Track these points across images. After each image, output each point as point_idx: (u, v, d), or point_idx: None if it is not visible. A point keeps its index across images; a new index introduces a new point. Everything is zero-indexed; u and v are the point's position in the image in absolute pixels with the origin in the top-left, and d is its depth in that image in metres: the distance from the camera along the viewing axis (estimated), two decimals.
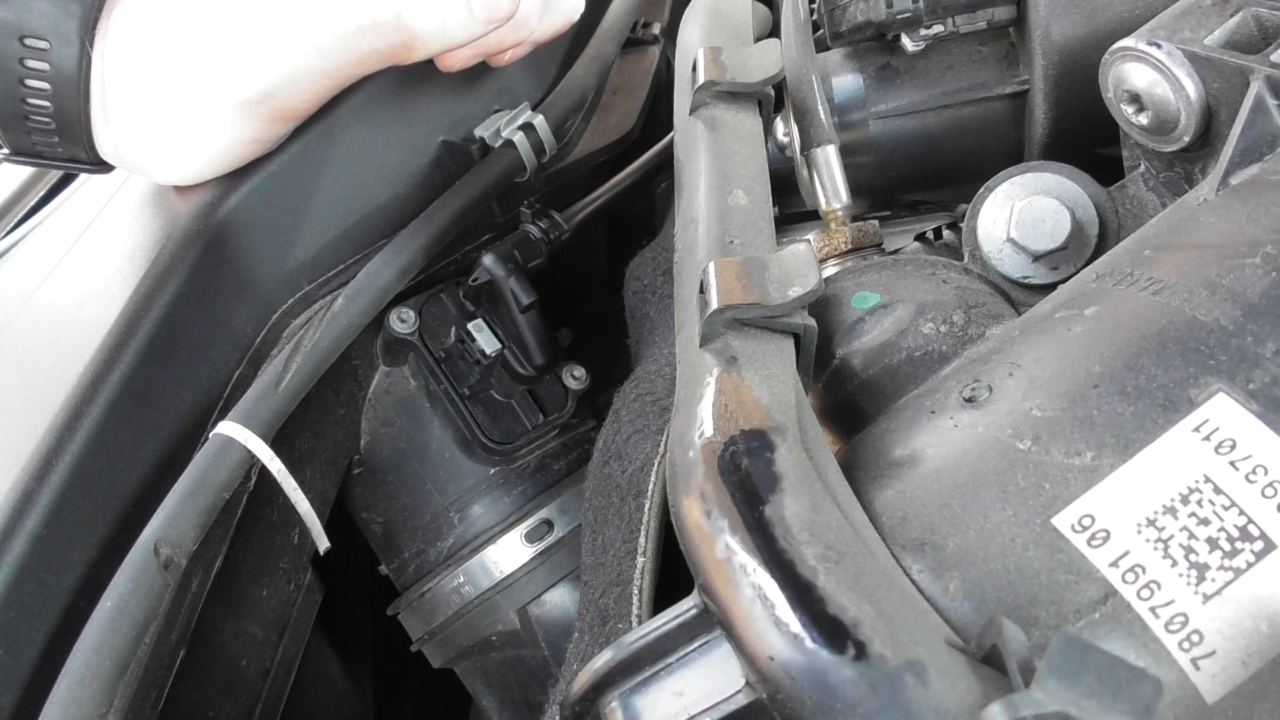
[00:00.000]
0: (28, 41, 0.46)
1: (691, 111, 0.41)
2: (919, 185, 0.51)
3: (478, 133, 0.59)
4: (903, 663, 0.20)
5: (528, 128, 0.58)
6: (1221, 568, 0.23)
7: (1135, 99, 0.35)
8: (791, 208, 0.56)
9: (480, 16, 0.47)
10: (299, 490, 0.44)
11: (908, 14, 0.43)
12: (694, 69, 0.41)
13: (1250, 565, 0.23)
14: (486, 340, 0.54)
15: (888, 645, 0.20)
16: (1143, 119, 0.35)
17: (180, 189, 0.52)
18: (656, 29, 0.86)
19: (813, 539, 0.22)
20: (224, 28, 0.46)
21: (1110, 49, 0.35)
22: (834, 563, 0.22)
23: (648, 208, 0.73)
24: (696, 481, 0.25)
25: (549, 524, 0.59)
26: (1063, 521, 0.24)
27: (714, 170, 0.36)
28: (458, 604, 0.59)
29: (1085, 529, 0.24)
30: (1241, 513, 0.23)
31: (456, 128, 0.60)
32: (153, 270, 0.48)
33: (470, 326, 0.54)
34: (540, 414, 0.58)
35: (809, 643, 0.21)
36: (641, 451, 0.38)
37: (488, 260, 0.53)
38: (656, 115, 0.76)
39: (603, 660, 0.26)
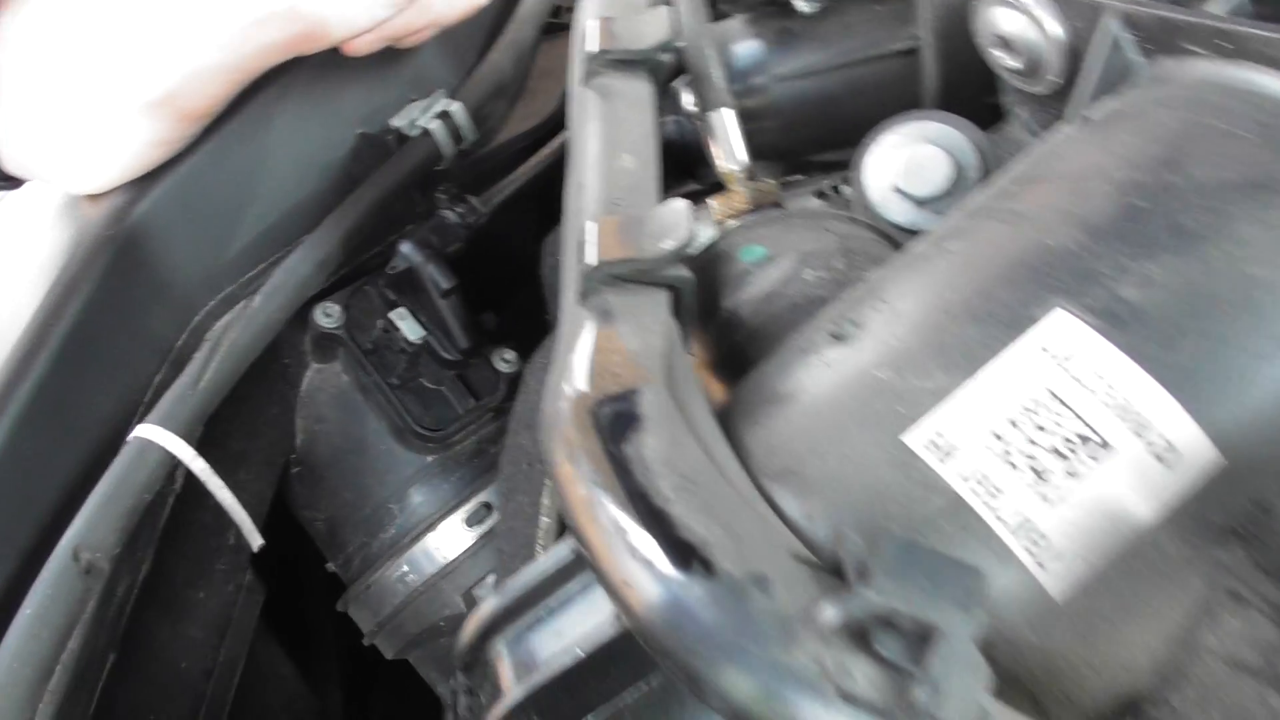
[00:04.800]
0: None
1: (584, 81, 0.41)
2: (825, 145, 0.51)
3: (394, 123, 0.59)
4: (746, 575, 0.21)
5: (444, 115, 0.59)
6: (1064, 473, 0.23)
7: (1006, 43, 0.36)
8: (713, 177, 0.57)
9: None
10: (225, 488, 0.44)
11: None
12: (584, 38, 0.42)
13: (1090, 469, 0.23)
14: (410, 328, 0.54)
15: (733, 562, 0.21)
16: (1014, 63, 0.36)
17: (91, 196, 0.52)
18: None
19: (668, 471, 0.23)
20: (119, 31, 0.45)
21: None
22: (688, 492, 0.23)
23: None
24: (564, 429, 0.25)
25: (488, 506, 0.60)
26: (914, 440, 0.25)
27: (603, 136, 0.37)
28: (404, 593, 0.59)
29: (935, 445, 0.24)
30: (1080, 419, 0.24)
31: (373, 119, 0.60)
32: (62, 278, 0.48)
33: (393, 315, 0.55)
34: (472, 398, 0.59)
35: (658, 565, 0.21)
36: None
37: (405, 247, 0.54)
38: None
39: (488, 607, 0.26)
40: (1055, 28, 0.34)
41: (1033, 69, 0.35)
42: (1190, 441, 0.23)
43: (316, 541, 0.62)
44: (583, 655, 0.24)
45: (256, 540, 0.47)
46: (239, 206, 0.54)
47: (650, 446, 0.24)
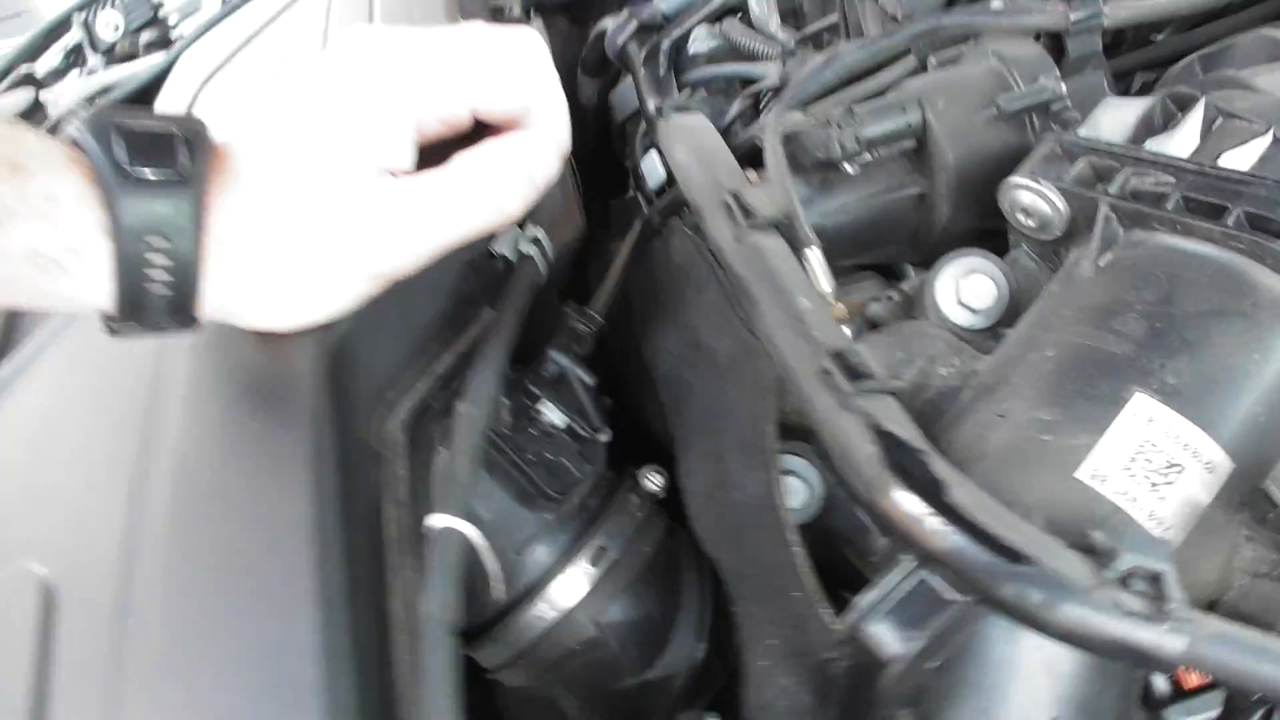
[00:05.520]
0: (149, 239, 0.53)
1: (739, 241, 0.58)
2: (849, 255, 0.72)
3: (498, 249, 0.73)
4: (1056, 562, 0.40)
5: (536, 241, 0.74)
6: (1166, 483, 0.44)
7: (1025, 210, 0.57)
8: None
9: (540, 184, 0.62)
10: (495, 559, 0.58)
11: (855, 152, 0.64)
12: (729, 210, 0.59)
13: (1178, 479, 0.44)
14: (556, 416, 0.69)
15: (1044, 556, 0.40)
16: (1030, 222, 0.57)
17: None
18: None
19: (979, 509, 0.42)
20: (362, 220, 0.56)
21: (1005, 181, 0.57)
22: (995, 519, 0.41)
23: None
24: (893, 491, 0.43)
25: (604, 549, 0.75)
26: (1082, 475, 0.45)
27: (780, 286, 0.55)
28: (540, 627, 0.74)
29: (1095, 476, 0.45)
30: (1165, 454, 0.45)
31: (473, 246, 0.74)
32: (304, 403, 0.59)
33: (540, 406, 0.69)
34: (588, 464, 0.74)
35: (1004, 564, 0.40)
36: (757, 479, 0.56)
37: (555, 354, 0.69)
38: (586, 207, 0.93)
39: (853, 615, 0.44)
40: (1062, 206, 0.55)
41: (1043, 227, 0.57)
42: (1221, 460, 0.45)
43: None
44: (932, 631, 0.42)
45: (502, 589, 0.61)
46: (390, 326, 0.67)
47: (961, 495, 0.42)
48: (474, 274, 0.73)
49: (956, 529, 0.41)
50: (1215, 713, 0.50)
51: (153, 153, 0.53)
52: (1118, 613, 0.38)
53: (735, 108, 0.93)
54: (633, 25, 1.02)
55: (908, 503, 0.43)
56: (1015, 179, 0.57)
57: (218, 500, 0.58)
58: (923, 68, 0.72)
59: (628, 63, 1.03)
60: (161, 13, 1.66)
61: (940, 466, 0.44)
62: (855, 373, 0.48)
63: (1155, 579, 0.39)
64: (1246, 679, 0.38)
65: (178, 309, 0.57)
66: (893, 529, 0.44)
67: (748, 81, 0.95)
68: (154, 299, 0.55)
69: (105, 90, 1.42)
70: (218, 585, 0.52)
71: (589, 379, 0.69)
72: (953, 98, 0.64)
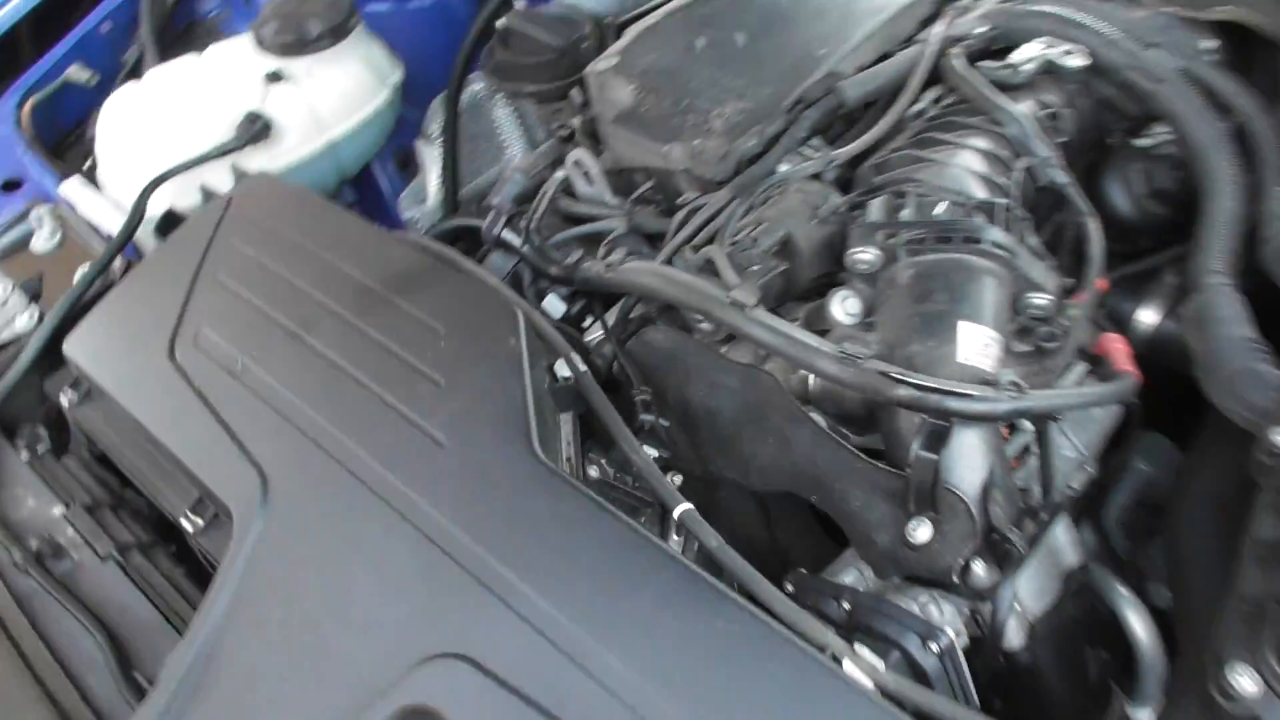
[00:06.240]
0: None
1: (746, 319, 1.11)
2: None
3: (562, 373, 1.18)
4: (979, 391, 0.99)
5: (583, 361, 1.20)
6: (989, 350, 1.05)
7: (860, 261, 1.17)
8: None
9: None
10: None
11: (763, 259, 1.20)
12: (734, 306, 1.12)
13: (991, 348, 1.06)
14: (655, 451, 1.15)
15: (973, 390, 0.99)
16: (862, 266, 1.17)
17: None
18: None
19: (940, 383, 0.99)
20: None
21: (849, 251, 1.16)
22: (946, 384, 0.99)
23: None
24: (902, 389, 0.99)
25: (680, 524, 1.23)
26: (961, 359, 1.04)
27: (789, 332, 1.09)
28: None
29: (966, 358, 1.04)
30: (983, 340, 1.06)
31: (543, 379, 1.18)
32: (548, 473, 1.02)
33: (646, 448, 1.15)
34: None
35: (961, 398, 0.98)
36: (808, 429, 1.09)
37: (644, 415, 1.15)
38: None
39: (915, 445, 1.00)
40: (880, 254, 1.16)
41: (869, 266, 1.17)
42: (996, 335, 1.07)
43: None
44: (939, 443, 0.99)
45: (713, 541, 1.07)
46: (547, 429, 1.11)
47: (929, 380, 1.00)
48: (553, 394, 1.18)
49: (934, 394, 0.99)
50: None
51: None
52: (1012, 401, 0.98)
53: (602, 253, 1.44)
54: (504, 219, 1.50)
55: (909, 391, 0.99)
56: (854, 249, 1.16)
57: (567, 562, 0.98)
58: (750, 206, 1.30)
59: (509, 245, 1.50)
60: None
61: (916, 376, 1.01)
62: (854, 357, 1.04)
63: (1017, 384, 1.00)
64: (1053, 409, 1.01)
65: None
66: (905, 405, 1.00)
67: (600, 235, 1.48)
68: None
69: None
70: (633, 597, 0.94)
71: (665, 422, 1.17)
72: (795, 217, 1.23)
